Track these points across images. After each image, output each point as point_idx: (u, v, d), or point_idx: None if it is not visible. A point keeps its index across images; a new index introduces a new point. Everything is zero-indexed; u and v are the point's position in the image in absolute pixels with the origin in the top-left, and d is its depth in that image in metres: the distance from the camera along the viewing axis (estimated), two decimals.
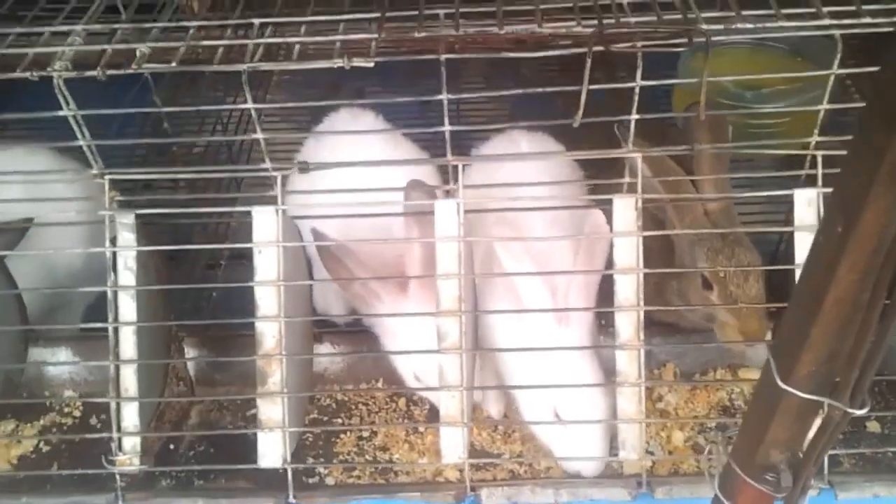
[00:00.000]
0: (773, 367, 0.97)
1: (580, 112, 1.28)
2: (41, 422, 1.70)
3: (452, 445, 1.40)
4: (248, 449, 1.54)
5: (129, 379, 1.42)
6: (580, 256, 1.42)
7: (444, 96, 1.27)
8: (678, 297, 1.55)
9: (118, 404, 1.42)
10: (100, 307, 1.81)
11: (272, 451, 1.41)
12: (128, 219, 1.40)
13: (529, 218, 1.49)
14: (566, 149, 1.78)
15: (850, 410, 0.93)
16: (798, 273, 1.39)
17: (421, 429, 1.63)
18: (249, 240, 1.38)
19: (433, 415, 1.65)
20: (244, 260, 1.49)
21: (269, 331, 1.40)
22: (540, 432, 1.48)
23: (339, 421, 1.67)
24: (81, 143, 1.34)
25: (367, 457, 1.59)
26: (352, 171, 1.47)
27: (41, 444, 1.66)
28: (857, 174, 0.77)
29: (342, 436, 1.63)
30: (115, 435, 1.42)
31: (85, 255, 1.79)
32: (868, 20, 1.24)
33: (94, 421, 1.70)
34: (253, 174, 1.49)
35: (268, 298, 1.39)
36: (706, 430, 1.61)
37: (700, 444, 1.58)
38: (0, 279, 1.57)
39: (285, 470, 1.42)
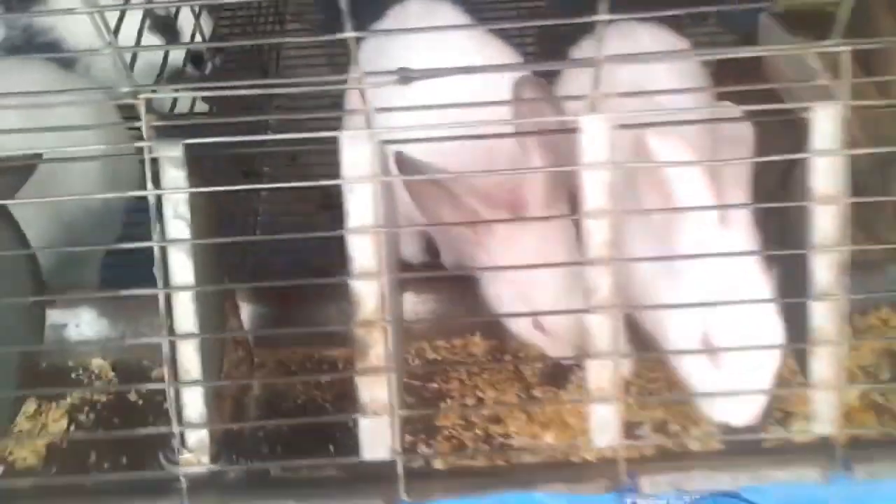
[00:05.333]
0: None
1: None
2: (69, 400, 1.40)
3: (604, 425, 1.11)
4: (327, 425, 1.27)
5: (191, 358, 1.11)
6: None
7: None
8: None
9: (177, 390, 1.12)
10: (119, 254, 1.52)
11: (378, 439, 1.12)
12: (174, 151, 1.06)
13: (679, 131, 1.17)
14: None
15: None
16: None
17: (538, 394, 1.35)
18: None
19: (547, 375, 1.37)
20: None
21: (370, 291, 1.09)
22: (685, 368, 1.19)
23: (436, 386, 1.38)
24: (107, 52, 0.99)
25: (477, 431, 1.31)
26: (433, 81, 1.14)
27: (72, 428, 1.37)
28: None
29: (441, 404, 1.35)
30: (176, 429, 1.12)
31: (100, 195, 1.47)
32: None
33: (133, 396, 1.40)
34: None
35: (365, 250, 1.08)
36: (879, 382, 1.35)
37: (877, 401, 1.32)
38: (5, 230, 1.24)
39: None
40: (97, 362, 1.44)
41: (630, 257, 1.12)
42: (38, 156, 1.21)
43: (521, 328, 1.29)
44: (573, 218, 1.12)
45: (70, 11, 0.93)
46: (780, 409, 1.31)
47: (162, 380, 1.40)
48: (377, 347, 1.10)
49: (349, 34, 0.99)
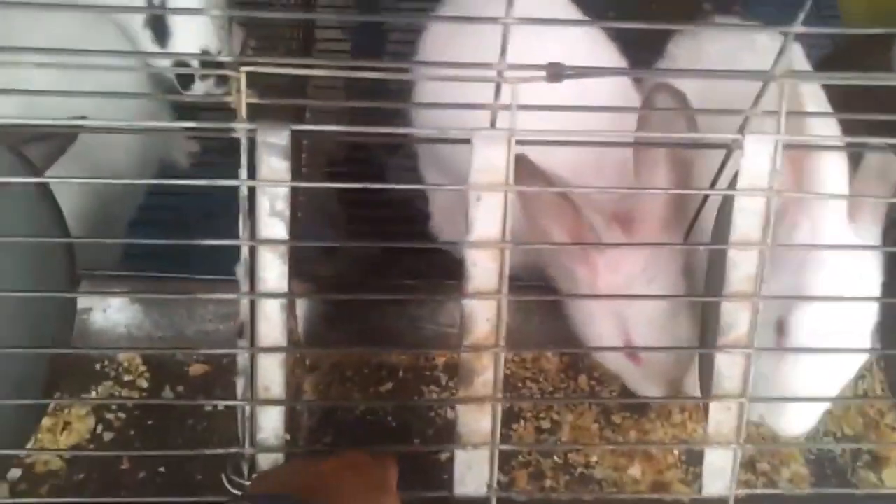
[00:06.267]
0: None
1: None
2: (93, 394, 1.24)
3: (719, 472, 1.03)
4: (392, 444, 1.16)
5: (273, 374, 0.97)
6: None
7: None
8: None
9: (253, 408, 0.97)
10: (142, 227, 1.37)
11: (474, 473, 1.01)
12: (279, 138, 0.91)
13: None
14: None
15: None
16: None
17: (617, 420, 1.25)
18: None
19: (624, 397, 1.28)
20: None
21: (484, 313, 0.96)
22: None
23: (507, 404, 1.27)
24: (219, 15, 0.83)
25: (556, 459, 1.21)
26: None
27: (99, 428, 1.21)
28: None
29: (514, 425, 1.24)
30: (248, 451, 0.98)
31: (136, 163, 1.31)
32: None
33: (167, 393, 1.25)
34: None
35: (485, 266, 0.95)
36: None
37: None
38: (42, 206, 1.06)
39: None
40: (124, 354, 1.27)
41: (773, 295, 1.02)
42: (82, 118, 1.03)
43: (608, 353, 1.18)
44: (713, 247, 1.01)
45: None
46: (868, 453, 1.24)
47: (199, 376, 1.27)
48: (486, 375, 0.98)
49: (507, 20, 0.86)
